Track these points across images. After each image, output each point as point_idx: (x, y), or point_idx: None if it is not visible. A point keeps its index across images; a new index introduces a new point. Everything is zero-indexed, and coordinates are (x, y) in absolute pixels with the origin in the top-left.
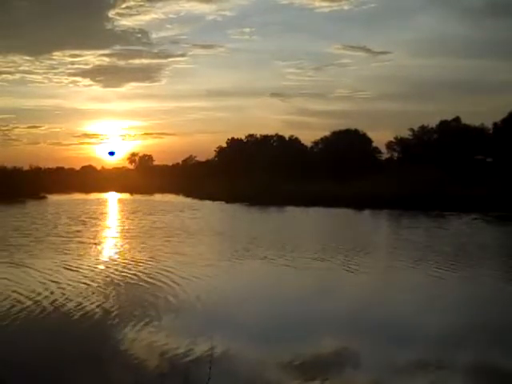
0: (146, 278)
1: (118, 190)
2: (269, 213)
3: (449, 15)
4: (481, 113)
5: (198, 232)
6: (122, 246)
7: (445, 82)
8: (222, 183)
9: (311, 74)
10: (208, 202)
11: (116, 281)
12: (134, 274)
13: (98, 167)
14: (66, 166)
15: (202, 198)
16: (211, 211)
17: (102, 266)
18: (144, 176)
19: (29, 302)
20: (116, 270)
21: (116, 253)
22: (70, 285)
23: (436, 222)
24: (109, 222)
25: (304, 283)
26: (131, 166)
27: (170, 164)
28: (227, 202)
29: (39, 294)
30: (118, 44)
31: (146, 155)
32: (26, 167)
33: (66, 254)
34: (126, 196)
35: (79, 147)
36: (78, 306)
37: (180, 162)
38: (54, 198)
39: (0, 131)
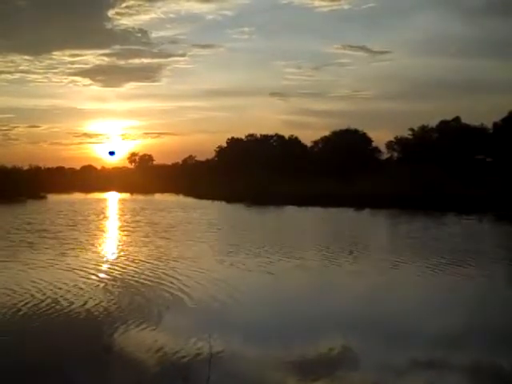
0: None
1: (118, 190)
2: (273, 212)
3: (448, 15)
4: (481, 112)
5: (230, 228)
6: (170, 237)
7: (445, 81)
8: (222, 183)
9: (311, 73)
10: (209, 202)
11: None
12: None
13: (98, 167)
14: (66, 166)
15: (202, 197)
16: (221, 210)
17: (176, 258)
18: (144, 176)
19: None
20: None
21: (181, 246)
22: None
23: (444, 221)
24: (134, 218)
25: (398, 280)
26: (131, 166)
27: (170, 164)
28: (227, 201)
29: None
30: (118, 44)
31: (146, 155)
32: (26, 167)
33: (138, 246)
34: (126, 196)
35: (79, 147)
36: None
37: (180, 162)
38: (54, 197)
39: (0, 131)
